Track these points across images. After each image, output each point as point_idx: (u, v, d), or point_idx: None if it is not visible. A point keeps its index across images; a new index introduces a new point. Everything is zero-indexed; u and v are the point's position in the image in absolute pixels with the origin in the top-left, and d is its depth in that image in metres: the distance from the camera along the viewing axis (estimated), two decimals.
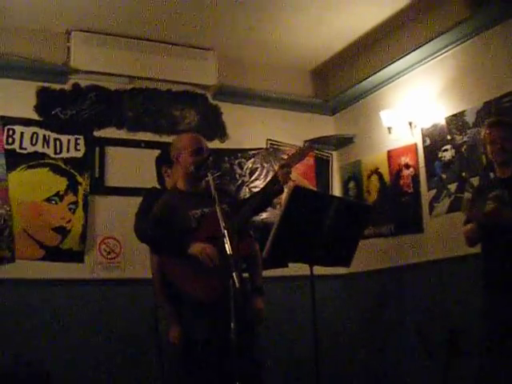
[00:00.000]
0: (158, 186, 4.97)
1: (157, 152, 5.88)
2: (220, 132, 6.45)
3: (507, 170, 4.11)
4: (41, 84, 5.81)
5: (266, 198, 3.85)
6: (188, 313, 3.72)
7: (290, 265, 5.91)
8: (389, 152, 6.20)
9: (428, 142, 5.73)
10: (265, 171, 6.47)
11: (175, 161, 4.01)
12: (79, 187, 5.73)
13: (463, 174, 5.33)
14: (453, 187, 5.42)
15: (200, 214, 3.78)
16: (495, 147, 4.11)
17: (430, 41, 5.65)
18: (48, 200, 5.61)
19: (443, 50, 5.61)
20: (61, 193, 5.66)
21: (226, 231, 3.23)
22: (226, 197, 3.95)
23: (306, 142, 3.97)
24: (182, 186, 3.96)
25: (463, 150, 5.35)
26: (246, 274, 3.94)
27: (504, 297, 3.93)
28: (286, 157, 3.99)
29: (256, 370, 3.71)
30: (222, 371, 3.54)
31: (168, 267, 3.78)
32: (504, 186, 4.04)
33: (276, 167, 4.50)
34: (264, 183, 6.13)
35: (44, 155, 5.67)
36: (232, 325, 3.13)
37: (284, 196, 3.79)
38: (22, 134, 5.61)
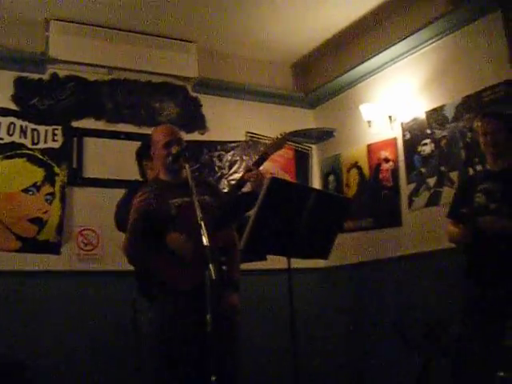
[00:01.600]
0: (139, 179, 4.92)
1: (136, 144, 5.82)
2: (199, 124, 6.43)
3: (499, 163, 4.09)
4: (18, 73, 5.74)
5: (238, 204, 3.85)
6: (165, 302, 3.71)
7: (269, 258, 5.90)
8: (368, 146, 6.21)
9: (408, 135, 5.74)
10: (244, 164, 6.45)
11: (152, 153, 4.00)
12: (56, 178, 5.67)
13: (442, 168, 5.34)
14: (432, 181, 5.44)
15: (180, 203, 3.76)
16: (487, 139, 4.07)
17: (410, 35, 5.66)
18: (25, 191, 5.55)
19: (424, 45, 5.62)
20: (38, 184, 5.60)
21: (202, 222, 3.21)
22: (208, 188, 3.92)
23: (283, 132, 3.93)
24: (164, 176, 3.94)
25: (442, 144, 5.36)
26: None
27: (490, 289, 3.92)
28: (262, 148, 3.97)
29: (233, 365, 3.70)
30: (199, 363, 3.53)
31: (147, 255, 3.76)
32: (496, 178, 4.02)
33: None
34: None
35: (21, 146, 5.61)
36: (208, 317, 3.11)
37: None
38: None
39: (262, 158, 3.84)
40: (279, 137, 3.88)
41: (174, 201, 3.78)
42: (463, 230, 3.98)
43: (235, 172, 6.40)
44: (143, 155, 4.84)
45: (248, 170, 3.87)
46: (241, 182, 3.87)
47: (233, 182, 6.08)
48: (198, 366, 3.55)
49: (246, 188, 4.02)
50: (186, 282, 3.62)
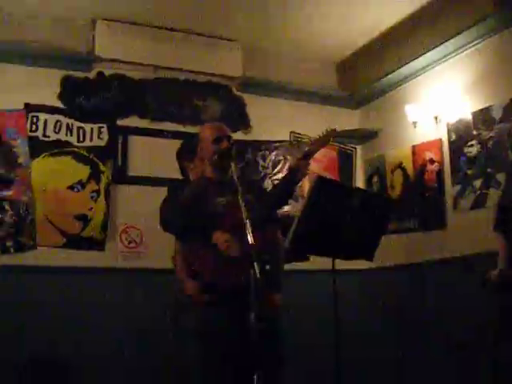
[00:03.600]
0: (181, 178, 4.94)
1: (180, 142, 5.88)
2: (243, 123, 6.44)
3: None
4: (65, 72, 5.82)
5: (286, 186, 3.81)
6: (208, 301, 3.71)
7: (311, 258, 5.89)
8: (413, 147, 6.15)
9: (454, 137, 5.66)
10: (288, 164, 6.43)
11: (200, 150, 4.00)
12: (102, 176, 5.73)
13: (489, 169, 5.26)
14: (478, 183, 5.36)
15: (226, 202, 3.75)
16: None
17: (456, 35, 5.58)
18: (70, 188, 5.63)
19: (470, 45, 5.54)
20: (83, 181, 5.67)
21: (247, 221, 3.21)
22: (252, 187, 3.92)
23: (328, 128, 3.89)
24: (210, 174, 3.94)
25: (489, 145, 5.28)
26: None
27: None
28: (307, 148, 3.92)
29: (276, 364, 3.69)
30: (242, 362, 3.53)
31: (191, 255, 3.77)
32: None
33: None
34: None
35: (67, 143, 5.68)
36: (252, 315, 3.10)
37: (307, 188, 3.75)
38: (45, 121, 5.63)
39: (307, 155, 3.81)
40: (324, 133, 3.85)
41: (220, 199, 3.78)
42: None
43: (279, 172, 6.38)
44: (184, 156, 4.86)
45: (304, 156, 3.82)
46: (291, 173, 3.83)
47: (276, 182, 6.07)
48: (240, 365, 3.56)
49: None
50: (228, 281, 3.62)
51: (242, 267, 3.41)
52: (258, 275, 3.06)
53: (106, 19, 5.93)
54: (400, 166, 6.32)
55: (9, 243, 5.30)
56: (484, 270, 4.09)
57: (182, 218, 3.79)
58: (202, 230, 3.69)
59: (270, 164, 6.46)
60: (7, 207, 5.34)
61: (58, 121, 5.67)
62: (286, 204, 3.94)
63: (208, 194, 3.80)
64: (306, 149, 3.85)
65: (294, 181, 3.78)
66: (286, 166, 6.39)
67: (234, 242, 3.56)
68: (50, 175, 5.56)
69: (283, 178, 3.98)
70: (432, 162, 5.91)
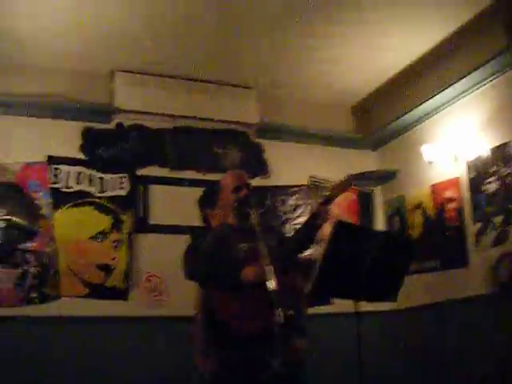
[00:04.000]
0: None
1: (199, 190, 5.90)
2: (262, 169, 6.49)
3: None
4: (86, 124, 5.92)
5: (307, 230, 3.84)
6: (229, 346, 3.72)
7: (334, 302, 5.88)
8: (432, 186, 6.15)
9: (473, 174, 5.65)
10: (308, 208, 6.45)
11: (221, 198, 4.06)
12: (123, 225, 5.79)
13: (509, 206, 5.25)
14: (498, 220, 5.34)
15: (247, 248, 3.79)
16: None
17: (470, 72, 5.62)
18: (93, 238, 5.68)
19: (485, 82, 5.56)
20: (105, 231, 5.72)
21: (271, 266, 3.23)
22: (272, 233, 3.96)
23: (349, 173, 3.92)
24: (231, 221, 3.98)
25: (508, 181, 5.27)
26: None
27: None
28: (328, 193, 3.96)
29: None
30: None
31: (214, 303, 3.79)
32: None
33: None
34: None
35: (89, 194, 5.76)
36: (276, 362, 3.10)
37: (327, 231, 3.76)
38: (68, 173, 5.71)
39: (328, 199, 3.84)
40: (345, 178, 3.88)
41: (242, 245, 3.81)
42: None
43: (299, 216, 6.39)
44: (205, 203, 4.90)
45: (324, 201, 3.85)
46: (312, 218, 3.86)
47: (298, 227, 6.08)
48: None
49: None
50: (253, 326, 3.62)
51: (268, 310, 3.43)
52: (283, 320, 3.07)
53: (124, 70, 6.05)
54: (420, 205, 6.32)
55: (33, 294, 5.35)
56: None
57: (206, 264, 3.83)
58: (226, 275, 3.72)
59: (290, 209, 6.47)
60: (31, 259, 5.40)
61: (79, 172, 5.76)
62: (308, 249, 3.95)
63: (230, 239, 3.84)
64: (327, 194, 3.88)
65: (314, 226, 3.81)
66: (307, 211, 6.41)
67: (263, 273, 3.59)
68: (73, 226, 5.63)
69: (304, 223, 4.00)
70: (451, 200, 5.91)
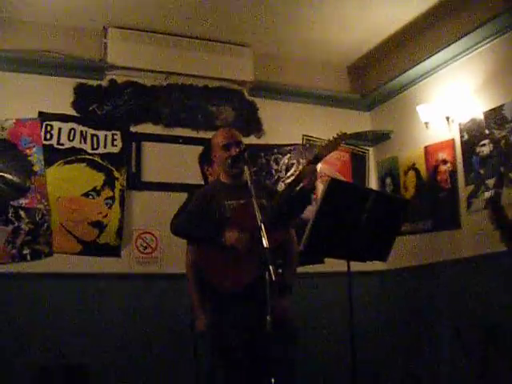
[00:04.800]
0: (198, 183, 4.99)
1: (194, 148, 5.93)
2: (256, 128, 6.45)
3: None
4: (78, 80, 5.86)
5: (293, 195, 3.84)
6: (216, 304, 3.79)
7: (326, 261, 5.91)
8: (426, 148, 6.14)
9: (466, 137, 5.65)
10: (301, 167, 6.44)
11: (213, 156, 4.08)
12: (116, 182, 5.77)
13: (502, 168, 5.25)
14: (491, 182, 5.35)
15: (235, 206, 3.81)
16: None
17: (467, 34, 5.58)
18: (85, 195, 5.67)
19: (480, 44, 5.53)
20: (98, 188, 5.71)
21: (262, 224, 3.24)
22: (266, 191, 3.96)
23: (339, 132, 3.91)
24: (224, 179, 4.02)
25: (502, 144, 5.27)
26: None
27: None
28: (317, 151, 3.95)
29: (290, 367, 3.72)
30: (255, 365, 3.59)
31: (200, 257, 3.86)
32: None
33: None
34: None
35: (81, 151, 5.73)
36: (268, 318, 3.13)
37: (320, 190, 3.76)
38: (59, 129, 5.67)
39: (316, 158, 3.83)
40: (335, 137, 3.87)
41: (229, 202, 3.85)
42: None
43: (292, 175, 6.38)
44: (203, 161, 4.90)
45: (311, 160, 3.85)
46: (298, 179, 3.86)
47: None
48: (253, 368, 3.60)
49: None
50: (237, 284, 3.67)
51: (248, 269, 3.50)
52: (274, 278, 3.08)
53: (117, 27, 5.97)
54: (413, 167, 6.32)
55: (25, 251, 5.34)
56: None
57: (188, 223, 3.90)
58: (209, 233, 3.78)
59: (284, 167, 6.47)
60: (23, 215, 5.39)
61: (71, 129, 5.72)
62: (301, 211, 3.94)
63: (218, 197, 3.87)
64: (316, 152, 3.88)
65: (303, 190, 3.80)
66: (299, 169, 6.42)
67: (245, 239, 3.63)
68: (65, 183, 5.61)
69: (288, 184, 4.01)
70: (445, 162, 5.91)
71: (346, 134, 3.89)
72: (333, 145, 3.85)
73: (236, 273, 3.68)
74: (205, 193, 4.03)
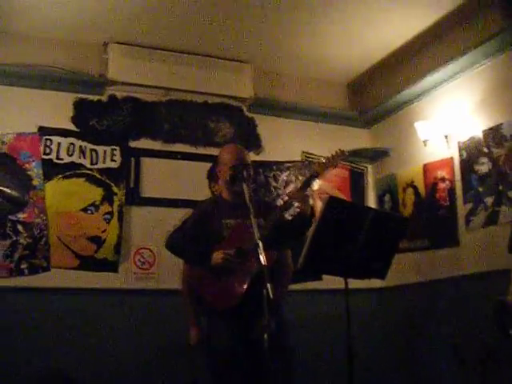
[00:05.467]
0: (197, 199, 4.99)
1: (192, 164, 5.97)
2: (255, 144, 6.45)
3: None
4: (78, 95, 5.88)
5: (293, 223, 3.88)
6: (207, 319, 3.83)
7: (324, 277, 5.90)
8: (425, 165, 6.15)
9: (464, 155, 5.66)
10: (299, 184, 6.43)
11: (218, 172, 4.09)
12: (115, 197, 5.77)
13: (500, 187, 5.26)
14: (489, 201, 5.35)
15: (232, 224, 3.82)
16: None
17: (465, 53, 5.59)
18: (84, 210, 5.66)
19: (479, 63, 5.54)
20: (96, 203, 5.71)
21: (259, 242, 3.24)
22: (266, 210, 3.94)
23: (338, 150, 3.92)
24: (226, 195, 4.04)
25: (500, 163, 5.28)
26: None
27: None
28: (315, 167, 3.96)
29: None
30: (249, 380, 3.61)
31: (192, 275, 3.90)
32: None
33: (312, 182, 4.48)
34: None
35: (80, 166, 5.73)
36: (265, 336, 3.13)
37: (319, 208, 3.77)
38: (59, 144, 5.68)
39: (313, 177, 3.84)
40: (333, 154, 3.87)
41: (227, 221, 3.85)
42: None
43: (289, 192, 6.38)
44: (210, 177, 4.90)
45: (292, 192, 3.89)
46: (286, 204, 3.89)
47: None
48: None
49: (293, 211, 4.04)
50: (226, 303, 3.68)
51: (237, 288, 3.53)
52: (272, 296, 3.08)
53: (118, 42, 5.99)
54: (411, 184, 6.33)
55: (23, 265, 5.34)
56: (497, 298, 3.99)
57: (181, 243, 3.95)
58: (198, 257, 3.81)
59: (282, 184, 6.47)
60: (21, 229, 5.39)
61: (71, 143, 5.73)
62: (302, 234, 3.93)
63: (217, 215, 3.88)
64: (314, 170, 3.88)
65: (300, 214, 3.82)
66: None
67: (233, 257, 3.66)
68: (64, 197, 5.61)
69: (278, 207, 4.04)
70: (443, 180, 5.91)
71: (343, 152, 3.91)
72: (331, 163, 3.86)
73: (225, 291, 3.71)
74: (203, 210, 4.04)
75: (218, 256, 3.71)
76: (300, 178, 6.49)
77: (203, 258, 3.76)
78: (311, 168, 6.25)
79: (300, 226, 3.93)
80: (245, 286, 3.61)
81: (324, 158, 3.91)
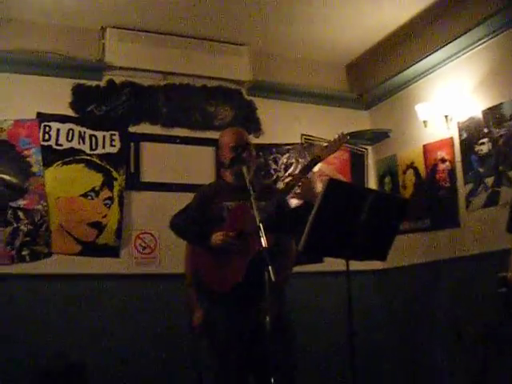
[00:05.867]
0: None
1: (192, 148, 6.00)
2: (254, 127, 6.43)
3: None
4: (76, 81, 5.85)
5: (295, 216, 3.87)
6: (207, 302, 3.84)
7: (326, 260, 5.91)
8: (424, 146, 6.14)
9: (464, 135, 5.65)
10: (300, 166, 6.44)
11: (221, 156, 4.09)
12: (115, 183, 5.77)
13: (500, 167, 5.25)
14: (490, 181, 5.34)
15: (234, 206, 3.83)
16: None
17: (465, 33, 5.57)
18: (84, 195, 5.66)
19: (479, 43, 5.52)
20: (96, 188, 5.70)
21: (261, 224, 3.23)
22: (268, 193, 3.93)
23: (340, 133, 3.90)
24: (228, 178, 4.04)
25: (500, 143, 5.27)
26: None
27: None
28: (316, 151, 3.95)
29: (289, 369, 3.74)
30: (250, 365, 3.64)
31: (194, 256, 3.90)
32: None
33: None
34: None
35: (80, 151, 5.72)
36: (267, 318, 3.13)
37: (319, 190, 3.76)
38: (58, 130, 5.67)
39: (315, 161, 3.84)
40: (335, 138, 3.86)
41: (228, 203, 3.86)
42: None
43: (291, 174, 6.37)
44: (218, 161, 4.90)
45: (294, 177, 3.88)
46: (288, 188, 3.87)
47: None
48: (250, 366, 3.65)
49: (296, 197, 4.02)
50: (224, 285, 3.70)
51: (237, 270, 3.54)
52: (274, 278, 3.08)
53: (115, 27, 5.97)
54: (412, 165, 6.32)
55: (24, 252, 5.34)
56: (498, 273, 4.00)
57: (183, 224, 3.97)
58: (199, 236, 3.82)
59: (282, 167, 6.47)
60: (22, 216, 5.39)
61: (70, 129, 5.71)
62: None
63: (218, 197, 3.89)
64: (315, 154, 3.87)
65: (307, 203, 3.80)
66: (298, 169, 6.43)
67: (231, 238, 3.67)
68: (64, 183, 5.60)
69: (280, 190, 4.02)
70: (443, 160, 5.91)
71: (346, 135, 3.89)
72: (333, 147, 3.84)
73: (224, 273, 3.72)
74: (205, 193, 4.06)
75: (217, 237, 3.73)
76: (300, 160, 6.49)
77: (203, 238, 3.77)
78: (313, 152, 6.25)
79: (303, 215, 3.91)
80: (243, 270, 3.62)
81: (326, 141, 3.90)
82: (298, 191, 3.86)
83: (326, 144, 3.89)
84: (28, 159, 5.50)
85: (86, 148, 5.75)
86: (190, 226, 3.96)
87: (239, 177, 3.82)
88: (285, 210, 3.93)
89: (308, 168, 3.85)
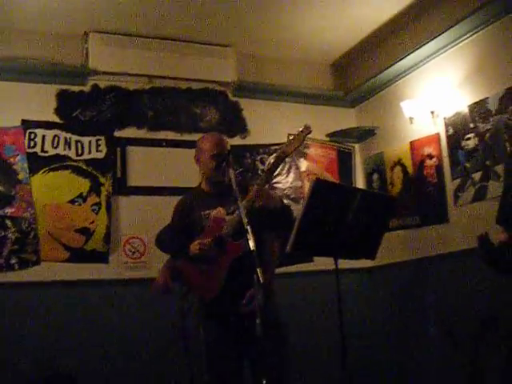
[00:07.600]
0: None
1: (178, 151, 5.96)
2: (241, 128, 6.43)
3: None
4: (60, 87, 5.83)
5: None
6: (202, 310, 3.84)
7: (315, 259, 5.90)
8: (411, 143, 6.15)
9: (451, 131, 5.66)
10: (287, 166, 6.44)
11: (197, 162, 4.04)
12: (102, 188, 5.74)
13: (487, 162, 5.26)
14: (477, 176, 5.35)
15: (211, 215, 3.82)
16: None
17: (449, 28, 5.58)
18: (71, 202, 5.64)
19: (463, 38, 5.52)
20: (84, 194, 5.68)
21: (248, 227, 3.21)
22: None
23: (304, 125, 3.83)
24: (205, 186, 4.00)
25: (486, 137, 5.28)
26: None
27: None
28: (279, 150, 3.85)
29: (281, 367, 3.73)
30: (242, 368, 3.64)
31: (181, 266, 3.90)
32: None
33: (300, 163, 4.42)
34: (287, 178, 6.24)
35: (66, 157, 5.69)
36: (257, 321, 3.12)
37: (306, 190, 3.75)
38: (43, 137, 5.64)
39: (281, 158, 3.74)
40: (299, 131, 3.77)
41: (206, 212, 3.84)
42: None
43: (278, 174, 6.37)
44: None
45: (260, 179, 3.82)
46: (251, 200, 3.76)
47: (276, 185, 6.13)
48: (241, 370, 3.66)
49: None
50: (211, 291, 3.70)
51: (219, 277, 3.54)
52: (262, 280, 3.07)
53: (98, 31, 5.94)
54: (399, 162, 6.33)
55: (13, 260, 5.31)
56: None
57: (163, 239, 4.01)
58: (179, 249, 3.84)
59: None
60: (9, 224, 5.36)
61: (55, 135, 5.68)
62: (283, 228, 3.89)
63: (196, 207, 3.89)
64: (281, 151, 3.77)
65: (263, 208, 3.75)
66: (286, 168, 6.42)
67: (208, 246, 3.67)
68: (51, 190, 5.57)
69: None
70: (431, 157, 5.91)
71: (308, 127, 3.81)
72: (297, 140, 3.76)
73: (207, 281, 3.72)
74: (183, 204, 4.06)
75: (194, 247, 3.74)
76: (287, 159, 6.46)
77: (183, 250, 3.78)
78: (298, 150, 6.22)
79: (279, 219, 3.87)
80: (223, 275, 3.62)
81: (310, 140, 3.88)
82: (260, 203, 3.74)
83: (291, 138, 3.85)
84: (14, 167, 5.47)
85: (72, 154, 5.72)
86: (170, 240, 3.98)
87: (217, 183, 3.85)
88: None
89: (275, 166, 3.75)
